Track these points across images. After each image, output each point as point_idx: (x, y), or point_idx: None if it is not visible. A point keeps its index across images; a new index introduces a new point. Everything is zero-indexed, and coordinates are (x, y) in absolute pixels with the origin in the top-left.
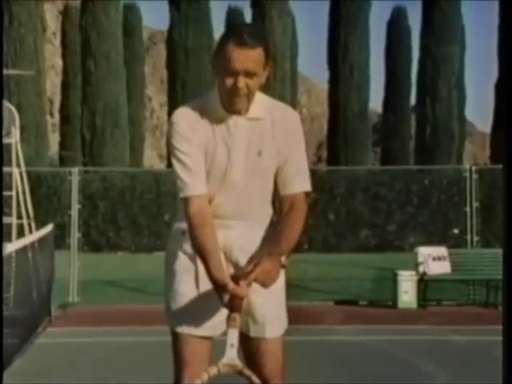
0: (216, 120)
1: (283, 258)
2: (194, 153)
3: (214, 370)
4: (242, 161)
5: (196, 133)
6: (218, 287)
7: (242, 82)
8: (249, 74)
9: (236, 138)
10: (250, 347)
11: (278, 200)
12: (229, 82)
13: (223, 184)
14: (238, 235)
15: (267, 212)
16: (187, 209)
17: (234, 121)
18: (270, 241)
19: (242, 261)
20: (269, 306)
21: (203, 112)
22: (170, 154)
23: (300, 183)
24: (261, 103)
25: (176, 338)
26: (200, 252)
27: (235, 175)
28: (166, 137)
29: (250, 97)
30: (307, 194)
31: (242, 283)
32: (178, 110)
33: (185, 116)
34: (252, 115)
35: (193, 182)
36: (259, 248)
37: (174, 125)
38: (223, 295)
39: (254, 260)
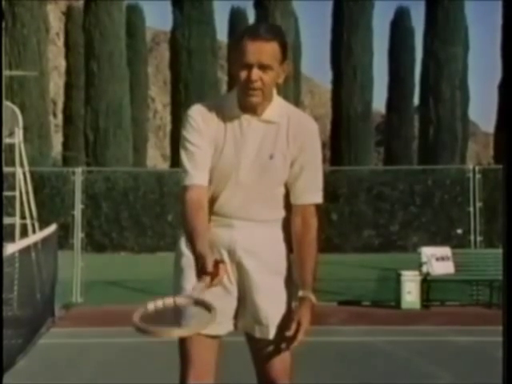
0: (230, 118)
1: (313, 297)
2: (203, 146)
3: (169, 301)
4: (250, 161)
5: (208, 128)
6: (201, 260)
7: (255, 74)
8: (263, 67)
9: (247, 139)
10: (256, 348)
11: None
12: (243, 74)
13: (229, 183)
14: (242, 235)
15: (277, 215)
16: (185, 195)
17: (247, 121)
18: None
19: (246, 261)
20: (274, 307)
21: (219, 110)
22: (173, 154)
23: (312, 195)
24: (278, 107)
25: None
26: (191, 233)
27: (242, 175)
28: (170, 136)
29: (265, 92)
30: (318, 205)
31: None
32: (195, 105)
33: (200, 111)
34: (267, 118)
35: (195, 173)
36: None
37: (188, 117)
38: (206, 264)
39: (291, 312)
